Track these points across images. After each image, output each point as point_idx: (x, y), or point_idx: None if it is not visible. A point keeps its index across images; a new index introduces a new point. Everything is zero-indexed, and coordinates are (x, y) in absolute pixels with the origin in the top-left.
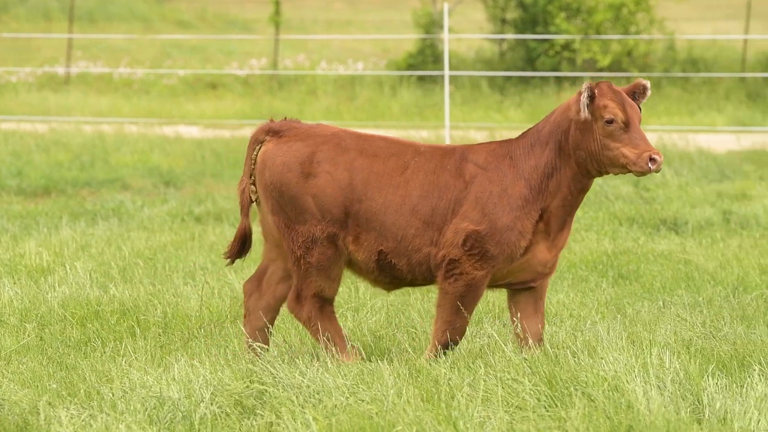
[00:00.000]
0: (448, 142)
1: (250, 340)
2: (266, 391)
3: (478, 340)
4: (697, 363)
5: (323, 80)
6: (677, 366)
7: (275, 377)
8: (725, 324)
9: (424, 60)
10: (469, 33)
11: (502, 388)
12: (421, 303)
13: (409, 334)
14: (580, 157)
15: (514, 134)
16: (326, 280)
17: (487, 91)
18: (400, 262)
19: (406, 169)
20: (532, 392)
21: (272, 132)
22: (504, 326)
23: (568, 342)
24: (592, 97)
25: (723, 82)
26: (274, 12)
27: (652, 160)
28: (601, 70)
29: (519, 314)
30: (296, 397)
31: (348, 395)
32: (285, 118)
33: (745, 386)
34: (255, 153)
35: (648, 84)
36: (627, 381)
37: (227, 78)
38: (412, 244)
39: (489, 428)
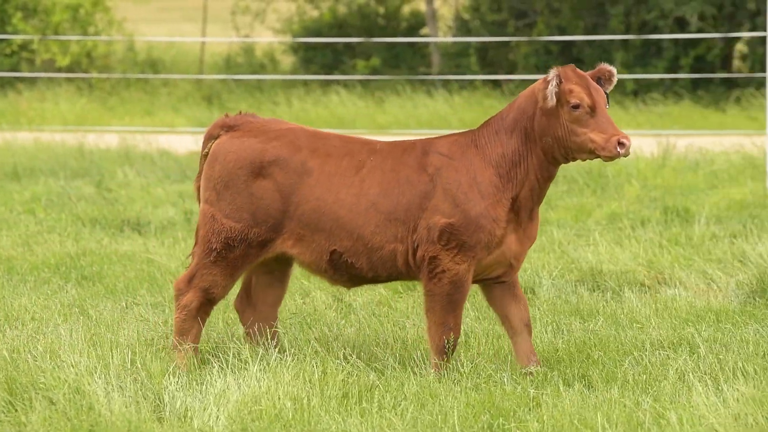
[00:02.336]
0: None
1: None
2: None
3: None
4: (159, 362)
5: None
6: (139, 366)
7: None
8: None
9: None
10: None
11: None
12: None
13: None
14: (546, 144)
15: None
16: (226, 278)
17: None
18: (358, 260)
19: (362, 168)
20: None
21: (227, 127)
22: None
23: (30, 346)
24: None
25: (181, 83)
26: None
27: (620, 144)
28: (60, 70)
29: (501, 306)
30: None
31: None
32: (240, 112)
33: (205, 383)
34: (208, 149)
35: (614, 70)
36: (89, 383)
37: None
38: (371, 242)
39: None
